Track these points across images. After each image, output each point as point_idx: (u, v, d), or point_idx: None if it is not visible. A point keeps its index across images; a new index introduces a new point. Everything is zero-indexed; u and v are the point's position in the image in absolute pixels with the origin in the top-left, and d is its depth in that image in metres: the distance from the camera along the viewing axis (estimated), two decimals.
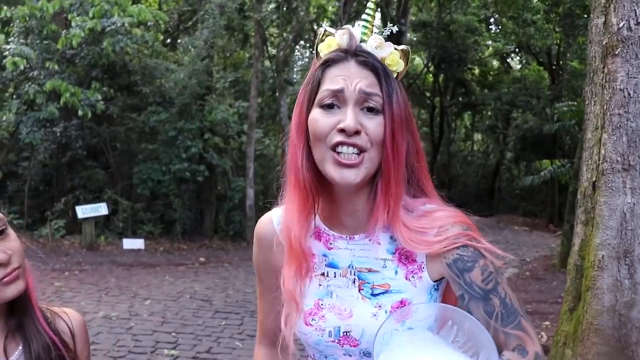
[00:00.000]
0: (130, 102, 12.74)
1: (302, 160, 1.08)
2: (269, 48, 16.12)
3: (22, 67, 9.83)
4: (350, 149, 1.03)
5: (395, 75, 1.09)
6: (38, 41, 10.87)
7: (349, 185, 1.05)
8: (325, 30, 1.11)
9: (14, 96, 11.34)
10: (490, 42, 22.01)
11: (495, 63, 23.95)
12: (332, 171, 1.04)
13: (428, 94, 24.64)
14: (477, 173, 24.26)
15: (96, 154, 12.65)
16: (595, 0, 3.54)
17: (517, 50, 21.50)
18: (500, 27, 20.70)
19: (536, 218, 18.55)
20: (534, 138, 17.92)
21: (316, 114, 1.06)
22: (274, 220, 1.22)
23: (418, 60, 24.75)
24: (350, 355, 1.12)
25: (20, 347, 1.14)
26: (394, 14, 18.33)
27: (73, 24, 9.85)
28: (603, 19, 3.43)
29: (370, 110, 1.04)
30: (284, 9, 13.40)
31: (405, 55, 1.10)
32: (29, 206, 11.79)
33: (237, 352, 5.06)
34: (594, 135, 3.49)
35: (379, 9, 18.98)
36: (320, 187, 1.10)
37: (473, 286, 1.05)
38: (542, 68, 20.91)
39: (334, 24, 17.35)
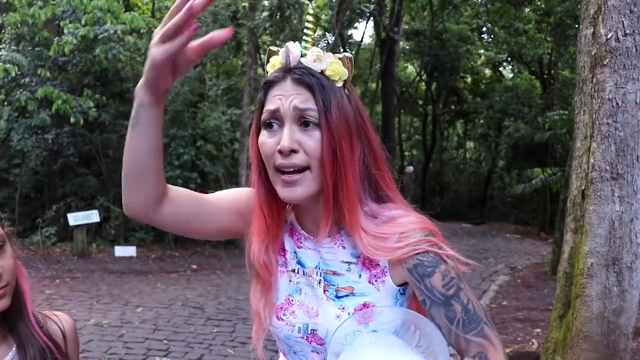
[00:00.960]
0: (122, 109, 12.71)
1: (256, 179, 1.14)
2: (262, 56, 16.16)
3: (13, 74, 9.80)
4: (291, 169, 1.07)
5: (341, 84, 1.10)
6: (30, 48, 10.84)
7: (295, 201, 1.10)
8: (269, 50, 1.15)
9: (5, 103, 11.29)
10: (482, 51, 22.18)
11: (488, 72, 24.13)
12: (280, 190, 1.09)
13: (420, 102, 24.78)
14: (469, 181, 24.36)
15: (88, 161, 12.61)
16: (584, 11, 3.59)
17: (509, 59, 21.68)
18: (492, 36, 20.87)
19: (528, 226, 18.62)
20: (526, 146, 18.04)
21: (262, 135, 1.10)
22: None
23: (411, 69, 24.90)
24: (318, 353, 1.15)
25: (14, 349, 1.16)
26: (387, 22, 18.44)
27: (65, 31, 9.84)
28: (592, 30, 3.48)
29: (308, 125, 1.06)
30: (277, 17, 13.45)
31: (349, 62, 1.11)
32: (19, 213, 11.72)
33: (229, 359, 5.06)
34: (583, 144, 3.53)
35: (371, 18, 19.10)
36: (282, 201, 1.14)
37: (434, 291, 1.06)
38: (533, 77, 21.07)
39: (328, 32, 17.37)
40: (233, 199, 1.24)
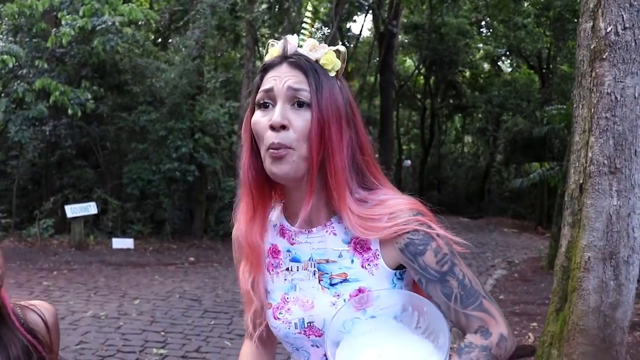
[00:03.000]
0: (120, 101, 12.70)
1: (247, 160, 1.17)
2: (261, 49, 16.10)
3: (11, 65, 9.77)
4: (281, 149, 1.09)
5: (334, 74, 1.14)
6: (27, 39, 10.81)
7: (283, 179, 1.11)
8: (269, 43, 1.19)
9: (3, 94, 11.26)
10: (481, 45, 22.14)
11: (486, 66, 24.09)
12: (269, 167, 1.10)
13: (419, 96, 24.75)
14: (467, 175, 24.39)
15: (86, 153, 12.59)
16: (584, 5, 3.58)
17: (507, 53, 21.64)
18: (491, 30, 20.83)
19: (525, 220, 18.66)
20: (524, 141, 18.04)
21: (256, 115, 1.13)
22: None
23: (409, 62, 24.86)
24: (318, 346, 1.16)
25: None
26: (386, 15, 18.40)
27: (63, 22, 9.81)
28: (591, 24, 3.47)
29: (301, 105, 1.09)
30: (276, 9, 13.40)
31: (343, 55, 1.15)
32: (17, 205, 11.72)
33: (226, 352, 5.06)
34: (582, 138, 3.53)
35: (371, 11, 19.04)
36: (271, 185, 1.18)
37: (428, 269, 1.07)
38: (532, 71, 21.05)
39: (326, 26, 17.34)
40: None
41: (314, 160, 1.08)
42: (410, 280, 1.16)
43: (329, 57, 1.13)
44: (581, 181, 3.49)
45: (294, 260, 1.19)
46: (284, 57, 1.13)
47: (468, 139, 26.56)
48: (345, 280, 1.13)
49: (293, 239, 1.19)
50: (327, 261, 1.15)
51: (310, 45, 1.14)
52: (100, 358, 4.83)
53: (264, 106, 1.12)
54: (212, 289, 7.66)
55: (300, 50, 1.14)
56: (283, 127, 1.08)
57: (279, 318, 1.18)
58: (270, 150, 1.09)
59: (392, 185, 1.20)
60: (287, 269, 1.20)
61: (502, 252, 11.89)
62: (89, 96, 10.56)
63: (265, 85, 1.12)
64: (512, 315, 6.28)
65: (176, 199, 12.49)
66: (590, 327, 3.32)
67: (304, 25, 1.18)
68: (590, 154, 3.37)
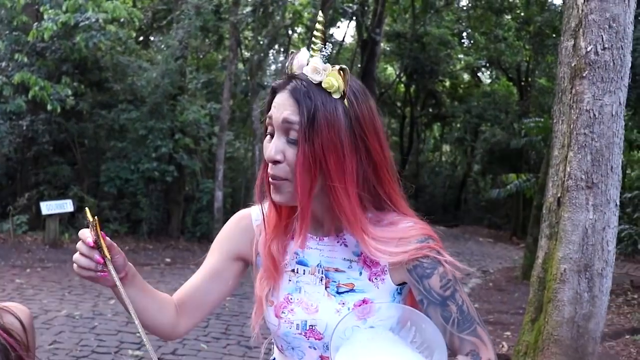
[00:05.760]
0: (100, 98, 12.56)
1: (260, 178, 1.21)
2: (243, 51, 16.10)
3: None
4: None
5: (339, 95, 1.10)
6: (7, 32, 10.65)
7: (280, 204, 1.18)
8: (292, 52, 1.17)
9: None
10: (462, 56, 22.41)
11: (466, 76, 24.37)
12: (270, 193, 1.17)
13: (399, 104, 24.92)
14: (444, 184, 24.60)
15: (63, 150, 12.43)
16: (565, 24, 3.68)
17: (487, 65, 21.94)
18: (472, 41, 21.09)
19: (500, 230, 18.89)
20: (501, 152, 18.28)
21: (265, 140, 1.17)
22: (253, 216, 1.33)
23: (390, 70, 25.03)
24: (315, 348, 1.20)
25: None
26: (369, 23, 18.52)
27: (45, 16, 9.68)
28: (572, 42, 3.56)
29: (293, 137, 1.10)
30: (260, 12, 13.41)
31: (345, 73, 1.10)
32: None
33: (202, 354, 5.04)
34: (561, 153, 3.62)
35: (354, 18, 19.14)
36: None
37: (432, 292, 1.12)
38: (511, 84, 21.37)
39: (309, 30, 17.38)
40: (224, 251, 1.35)
41: (300, 194, 1.10)
42: (407, 293, 1.22)
43: (330, 81, 1.09)
44: (559, 195, 3.58)
45: (301, 263, 1.23)
46: (289, 78, 1.12)
47: (446, 148, 26.81)
48: (351, 290, 1.18)
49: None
50: (336, 270, 1.20)
51: (312, 67, 1.10)
52: (74, 358, 4.77)
53: (270, 134, 1.14)
54: None
55: (305, 70, 1.11)
56: (277, 162, 1.11)
57: (281, 317, 1.22)
58: (270, 180, 1.14)
59: (407, 206, 1.23)
60: (293, 271, 1.24)
61: (477, 261, 12.03)
62: (69, 92, 10.42)
63: (270, 112, 1.13)
64: (486, 324, 6.35)
65: (154, 199, 12.38)
66: (564, 338, 3.40)
67: (313, 39, 1.13)
68: (568, 169, 3.46)
